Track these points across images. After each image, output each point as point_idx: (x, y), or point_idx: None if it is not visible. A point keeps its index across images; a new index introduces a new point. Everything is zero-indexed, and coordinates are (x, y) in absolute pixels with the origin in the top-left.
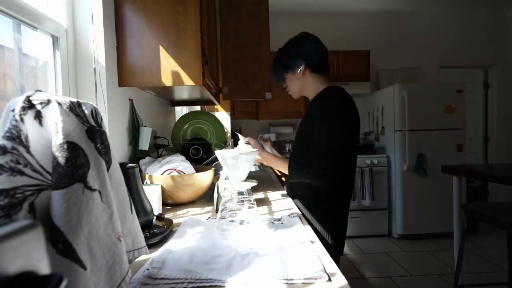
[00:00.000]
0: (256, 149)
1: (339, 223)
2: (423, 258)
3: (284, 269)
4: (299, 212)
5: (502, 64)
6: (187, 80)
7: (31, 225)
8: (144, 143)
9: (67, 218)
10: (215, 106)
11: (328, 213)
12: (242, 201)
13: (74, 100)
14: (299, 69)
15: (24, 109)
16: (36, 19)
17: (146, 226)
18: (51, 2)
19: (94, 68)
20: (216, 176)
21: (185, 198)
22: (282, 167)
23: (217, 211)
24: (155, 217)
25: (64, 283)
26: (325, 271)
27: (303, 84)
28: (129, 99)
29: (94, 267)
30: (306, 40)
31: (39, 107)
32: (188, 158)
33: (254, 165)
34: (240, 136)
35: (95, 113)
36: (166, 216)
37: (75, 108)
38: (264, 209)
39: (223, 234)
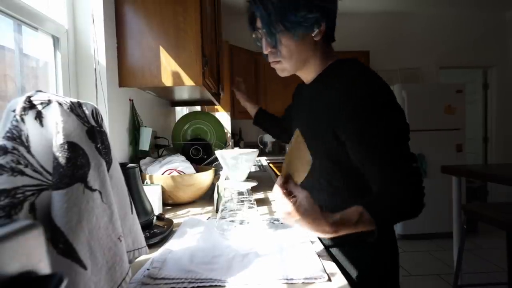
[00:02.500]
0: (256, 150)
1: (378, 256)
2: (422, 258)
3: (284, 269)
4: None
5: (501, 64)
6: (187, 81)
7: (32, 225)
8: (145, 144)
9: (67, 218)
10: (215, 107)
11: (355, 244)
12: (242, 201)
13: (75, 100)
14: (316, 31)
15: (24, 109)
16: (36, 20)
17: (147, 226)
18: (52, 2)
19: (95, 69)
20: (216, 176)
21: (185, 198)
22: (363, 225)
23: (217, 211)
24: (155, 217)
25: (64, 283)
26: (325, 271)
27: (309, 55)
28: (130, 100)
29: (95, 267)
30: None
31: (39, 107)
32: (188, 158)
33: (254, 165)
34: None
35: (95, 114)
36: (166, 216)
37: (75, 109)
38: (264, 209)
39: (223, 234)
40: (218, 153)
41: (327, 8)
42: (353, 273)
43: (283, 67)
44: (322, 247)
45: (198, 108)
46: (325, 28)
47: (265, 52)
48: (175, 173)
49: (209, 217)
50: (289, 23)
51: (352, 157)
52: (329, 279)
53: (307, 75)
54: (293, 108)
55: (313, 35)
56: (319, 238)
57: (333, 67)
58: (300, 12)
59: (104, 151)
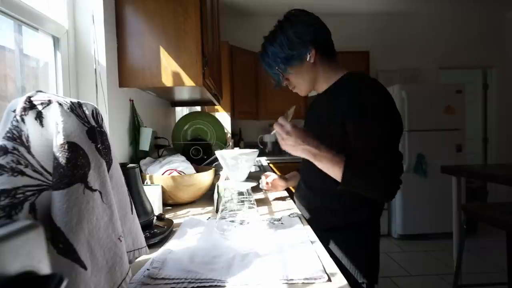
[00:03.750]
0: (256, 150)
1: (372, 253)
2: (422, 258)
3: (284, 269)
4: (299, 212)
5: (501, 65)
6: (188, 81)
7: (32, 225)
8: (145, 144)
9: (67, 218)
10: (215, 107)
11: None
12: (242, 201)
13: (75, 100)
14: (309, 56)
15: (25, 109)
16: (37, 20)
17: (147, 226)
18: (52, 3)
19: (95, 69)
20: (216, 176)
21: (185, 199)
22: (335, 169)
23: (217, 211)
24: (155, 217)
25: (64, 283)
26: (325, 271)
27: (315, 75)
28: (130, 100)
29: (95, 267)
30: (304, 17)
31: (40, 107)
32: (189, 158)
33: (254, 165)
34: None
35: (95, 114)
36: (167, 216)
37: (75, 109)
38: (264, 209)
39: (223, 234)
40: (218, 153)
41: (307, 39)
42: (344, 261)
43: (300, 90)
44: (322, 247)
45: (198, 108)
46: (315, 51)
47: (284, 84)
48: (175, 173)
49: (209, 217)
50: (285, 62)
51: (353, 144)
52: (329, 279)
53: (320, 87)
54: (307, 117)
55: (307, 60)
56: (312, 225)
57: (344, 79)
58: (288, 53)
59: (104, 151)
